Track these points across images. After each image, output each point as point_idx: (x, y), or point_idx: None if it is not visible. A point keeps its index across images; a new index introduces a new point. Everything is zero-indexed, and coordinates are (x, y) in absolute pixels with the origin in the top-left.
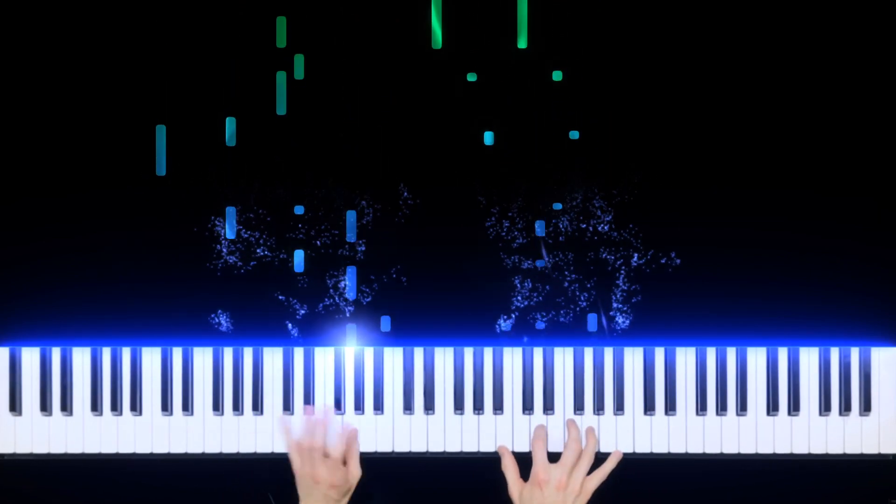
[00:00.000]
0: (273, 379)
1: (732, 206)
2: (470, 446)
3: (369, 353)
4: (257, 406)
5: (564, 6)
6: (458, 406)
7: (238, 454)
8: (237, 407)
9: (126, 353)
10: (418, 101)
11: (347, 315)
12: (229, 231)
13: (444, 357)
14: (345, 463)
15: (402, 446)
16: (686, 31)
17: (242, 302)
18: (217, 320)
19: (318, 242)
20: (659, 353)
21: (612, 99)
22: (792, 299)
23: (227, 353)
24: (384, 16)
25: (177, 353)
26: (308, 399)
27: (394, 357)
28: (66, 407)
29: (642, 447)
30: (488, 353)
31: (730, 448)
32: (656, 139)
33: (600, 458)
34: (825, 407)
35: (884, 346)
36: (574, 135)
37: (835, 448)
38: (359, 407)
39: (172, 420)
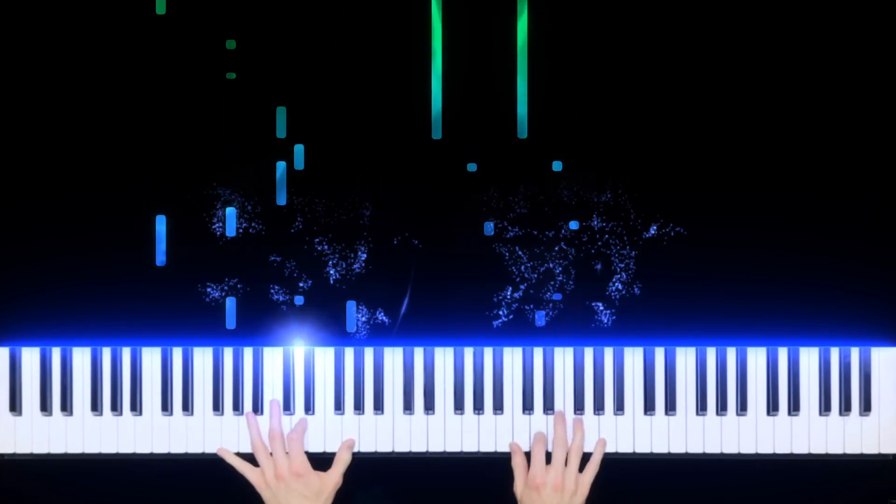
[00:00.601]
0: (273, 379)
1: (732, 206)
2: (470, 446)
3: (369, 352)
4: (257, 406)
5: (563, 97)
6: (458, 406)
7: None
8: (237, 407)
9: (126, 353)
10: (419, 190)
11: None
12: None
13: (444, 357)
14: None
15: (402, 446)
16: (686, 36)
17: (243, 302)
18: (217, 320)
19: (320, 247)
20: (659, 353)
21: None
22: (792, 299)
23: (228, 353)
24: (385, 103)
25: (177, 353)
26: (308, 399)
27: (394, 357)
28: (66, 407)
29: (642, 447)
30: (488, 352)
31: (730, 448)
32: (656, 139)
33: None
34: (825, 407)
35: (884, 346)
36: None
37: (835, 448)
38: (359, 407)
39: (172, 420)
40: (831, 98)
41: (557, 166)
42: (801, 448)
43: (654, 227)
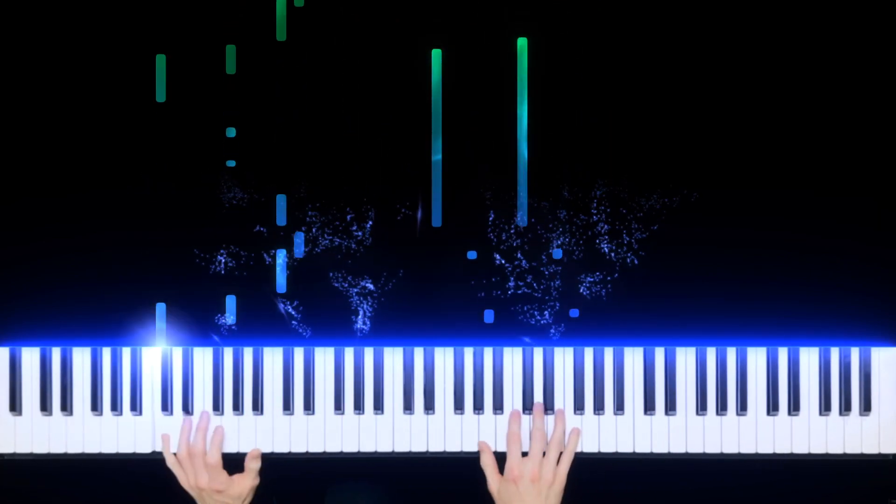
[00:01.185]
0: (273, 379)
1: (732, 206)
2: (470, 446)
3: (369, 352)
4: (257, 406)
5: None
6: (458, 406)
7: (238, 454)
8: (237, 407)
9: (126, 353)
10: (419, 277)
11: (345, 316)
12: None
13: (444, 357)
14: (241, 471)
15: (402, 446)
16: (687, 36)
17: (243, 302)
18: (218, 320)
19: (322, 243)
20: (659, 353)
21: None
22: (792, 299)
23: (228, 353)
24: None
25: (177, 354)
26: (308, 399)
27: (394, 357)
28: (66, 407)
29: (642, 447)
30: (488, 352)
31: (730, 448)
32: (656, 140)
33: (600, 459)
34: (825, 407)
35: (884, 346)
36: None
37: (835, 448)
38: (359, 407)
39: (173, 420)
40: (831, 98)
41: (558, 254)
42: (801, 448)
43: (655, 228)
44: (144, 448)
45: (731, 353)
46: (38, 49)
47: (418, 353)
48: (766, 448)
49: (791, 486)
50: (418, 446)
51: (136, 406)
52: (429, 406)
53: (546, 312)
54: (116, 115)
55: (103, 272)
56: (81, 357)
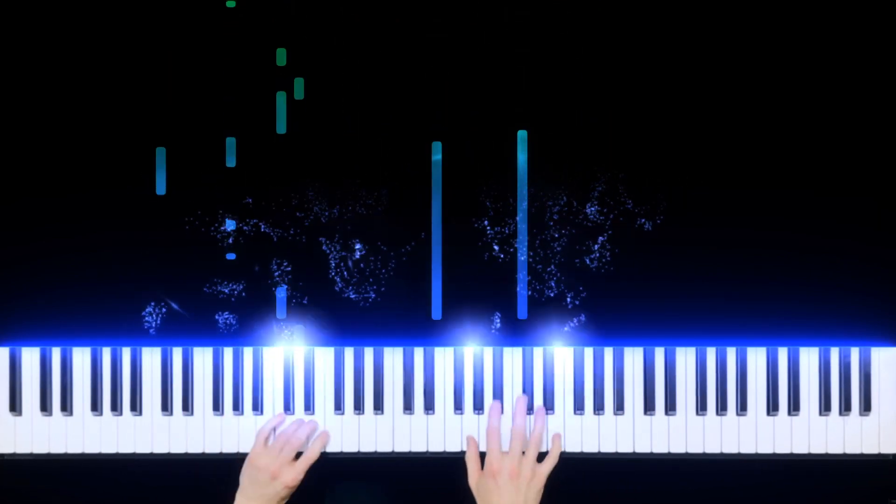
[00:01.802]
0: (273, 379)
1: (732, 206)
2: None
3: (369, 352)
4: (257, 406)
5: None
6: (458, 406)
7: (238, 454)
8: (237, 407)
9: (126, 353)
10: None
11: (346, 315)
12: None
13: (444, 357)
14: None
15: (402, 446)
16: (687, 36)
17: (243, 302)
18: (218, 320)
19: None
20: (659, 353)
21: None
22: (792, 299)
23: (228, 353)
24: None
25: (177, 353)
26: (308, 399)
27: (394, 357)
28: (66, 407)
29: (642, 447)
30: (488, 352)
31: (730, 448)
32: (656, 140)
33: (600, 459)
34: (825, 407)
35: (884, 346)
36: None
37: (835, 448)
38: (358, 407)
39: (172, 420)
40: (831, 98)
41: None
42: (801, 448)
43: (655, 228)
44: (144, 448)
45: (731, 353)
46: (38, 49)
47: (418, 353)
48: (766, 448)
49: (791, 486)
50: (418, 446)
51: (136, 406)
52: (429, 406)
53: (546, 312)
54: (116, 116)
55: (103, 272)
56: (81, 357)
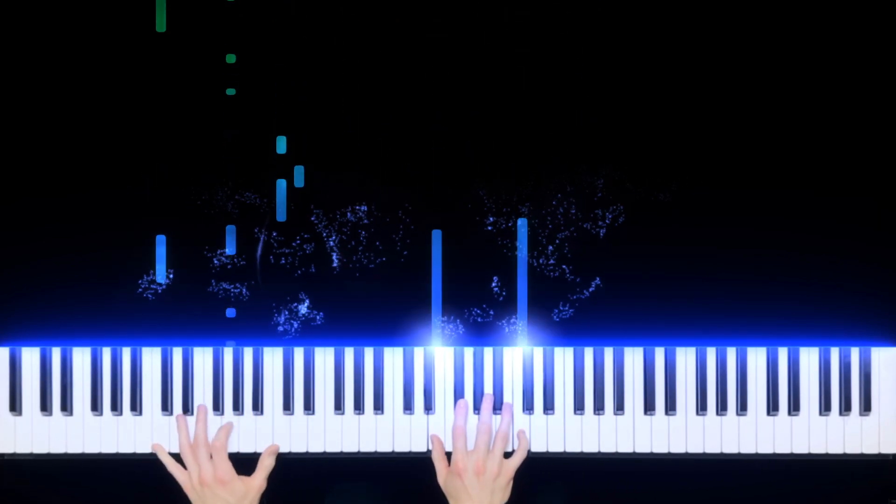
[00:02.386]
0: (273, 379)
1: (732, 206)
2: (471, 446)
3: (369, 352)
4: (257, 406)
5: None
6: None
7: (238, 454)
8: (237, 407)
9: (126, 353)
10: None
11: (346, 315)
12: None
13: (444, 357)
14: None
15: (402, 446)
16: (688, 36)
17: (243, 302)
18: (218, 320)
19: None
20: (659, 353)
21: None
22: (792, 299)
23: (228, 353)
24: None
25: (177, 353)
26: (309, 399)
27: (394, 357)
28: (66, 407)
29: (642, 447)
30: (488, 352)
31: (730, 448)
32: (656, 140)
33: (600, 459)
34: (825, 407)
35: (884, 346)
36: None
37: (835, 448)
38: (358, 407)
39: (173, 420)
40: (831, 98)
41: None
42: (801, 448)
43: (656, 228)
44: (144, 448)
45: (731, 353)
46: (38, 50)
47: (418, 353)
48: (766, 448)
49: (791, 486)
50: (418, 446)
51: (136, 406)
52: (428, 406)
53: (546, 312)
54: (116, 115)
55: (103, 272)
56: (81, 357)
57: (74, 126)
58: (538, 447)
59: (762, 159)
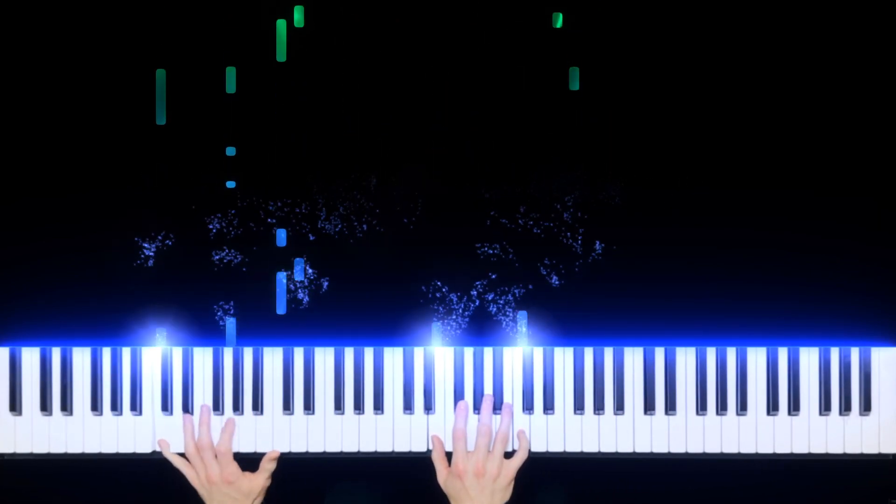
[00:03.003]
0: (273, 379)
1: (732, 206)
2: (471, 446)
3: (369, 352)
4: (257, 406)
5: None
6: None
7: (238, 454)
8: (237, 407)
9: (126, 353)
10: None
11: (346, 316)
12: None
13: (443, 357)
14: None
15: (402, 446)
16: (688, 35)
17: (244, 302)
18: (218, 321)
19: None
20: (659, 353)
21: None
22: (792, 299)
23: (228, 354)
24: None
25: (177, 353)
26: (309, 399)
27: (394, 357)
28: (66, 407)
29: (642, 447)
30: (489, 352)
31: (730, 448)
32: (656, 140)
33: (600, 459)
34: (825, 407)
35: (884, 346)
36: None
37: (835, 448)
38: (358, 407)
39: (173, 420)
40: (831, 98)
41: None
42: (801, 448)
43: (655, 228)
44: (144, 448)
45: (731, 353)
46: (39, 51)
47: (418, 353)
48: (766, 448)
49: (791, 486)
50: (418, 446)
51: (136, 406)
52: (429, 406)
53: (545, 312)
54: (116, 115)
55: (103, 272)
56: (81, 357)
57: (74, 126)
58: (538, 447)
59: (762, 159)
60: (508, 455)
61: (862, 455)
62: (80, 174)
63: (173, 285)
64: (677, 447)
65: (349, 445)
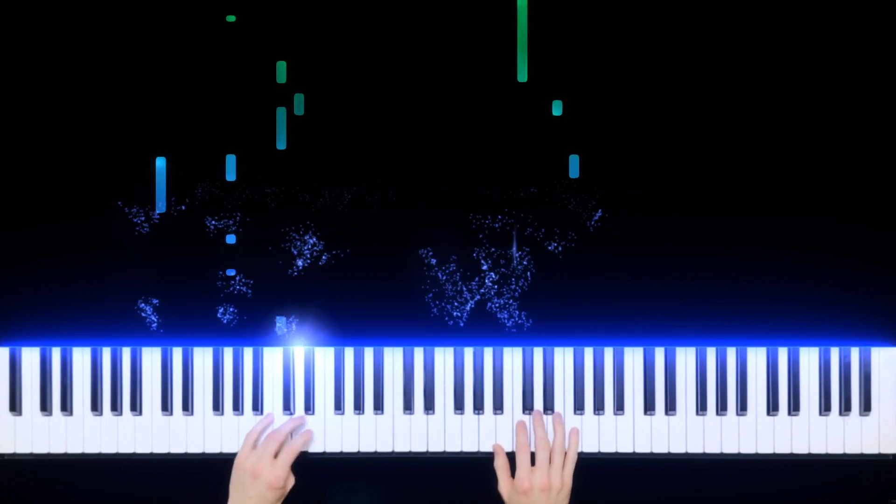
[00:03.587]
0: (273, 379)
1: (732, 206)
2: (470, 446)
3: (369, 352)
4: (257, 406)
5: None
6: (458, 406)
7: (235, 454)
8: (237, 407)
9: (126, 353)
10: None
11: (345, 315)
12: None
13: (443, 357)
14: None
15: (402, 446)
16: (688, 35)
17: (244, 302)
18: (218, 321)
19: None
20: (659, 353)
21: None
22: (792, 299)
23: (228, 353)
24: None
25: (177, 353)
26: (308, 399)
27: (394, 357)
28: (66, 407)
29: (642, 447)
30: (488, 352)
31: (730, 448)
32: (657, 140)
33: (600, 459)
34: (825, 407)
35: (884, 346)
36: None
37: (835, 448)
38: (358, 407)
39: (172, 420)
40: (831, 98)
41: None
42: (801, 448)
43: (655, 228)
44: (144, 448)
45: (731, 353)
46: (39, 50)
47: (418, 353)
48: (766, 448)
49: (791, 486)
50: (418, 446)
51: (136, 406)
52: (429, 406)
53: (545, 312)
54: (117, 117)
55: (103, 272)
56: (81, 357)
57: (75, 127)
58: None
59: (762, 159)
60: None
61: (862, 455)
62: (80, 174)
63: (175, 285)
64: (677, 447)
65: (349, 445)
